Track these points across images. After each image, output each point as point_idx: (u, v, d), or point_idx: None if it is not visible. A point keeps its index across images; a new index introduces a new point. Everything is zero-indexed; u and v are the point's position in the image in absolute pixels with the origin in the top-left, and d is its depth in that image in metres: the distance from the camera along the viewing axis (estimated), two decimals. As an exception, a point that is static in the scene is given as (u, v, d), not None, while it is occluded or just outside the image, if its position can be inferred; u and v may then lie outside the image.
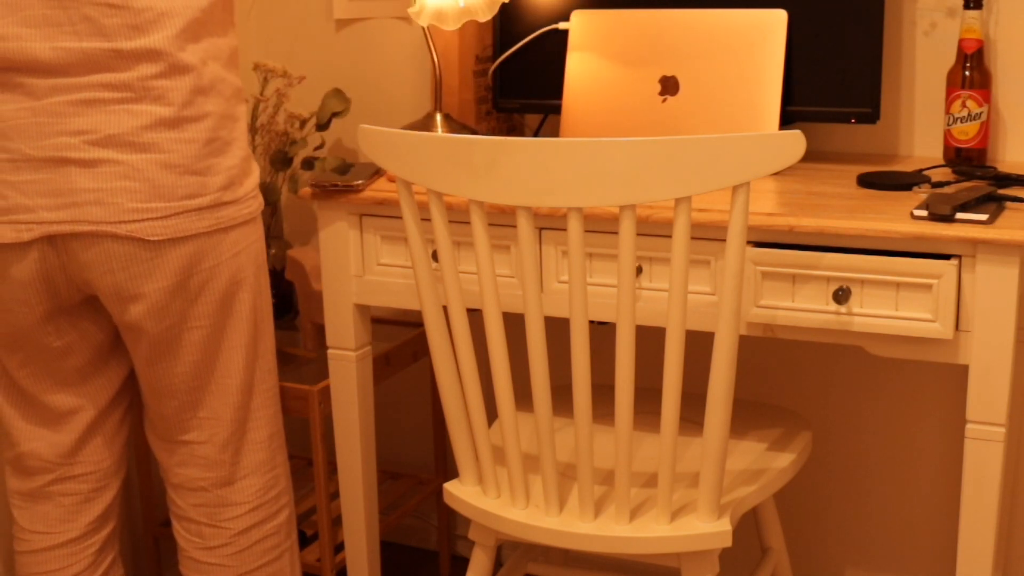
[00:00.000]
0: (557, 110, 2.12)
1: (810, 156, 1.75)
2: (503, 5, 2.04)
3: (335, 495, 2.33)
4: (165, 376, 1.79)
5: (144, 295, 1.71)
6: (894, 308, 1.65)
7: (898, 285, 1.64)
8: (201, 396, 1.80)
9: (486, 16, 1.97)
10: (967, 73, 1.97)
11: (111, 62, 1.65)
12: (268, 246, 2.29)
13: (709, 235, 1.72)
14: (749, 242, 1.70)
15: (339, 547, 2.24)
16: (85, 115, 1.65)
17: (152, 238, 1.68)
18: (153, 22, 1.65)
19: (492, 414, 1.78)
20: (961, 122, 1.98)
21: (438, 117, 2.09)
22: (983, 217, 1.61)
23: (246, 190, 1.77)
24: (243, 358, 1.81)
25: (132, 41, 1.64)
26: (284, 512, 1.93)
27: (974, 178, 1.85)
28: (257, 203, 1.81)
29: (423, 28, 2.07)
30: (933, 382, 2.18)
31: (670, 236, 1.51)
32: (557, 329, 1.76)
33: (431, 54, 2.12)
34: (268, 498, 1.89)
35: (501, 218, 1.79)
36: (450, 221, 1.63)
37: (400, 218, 1.75)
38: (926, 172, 1.91)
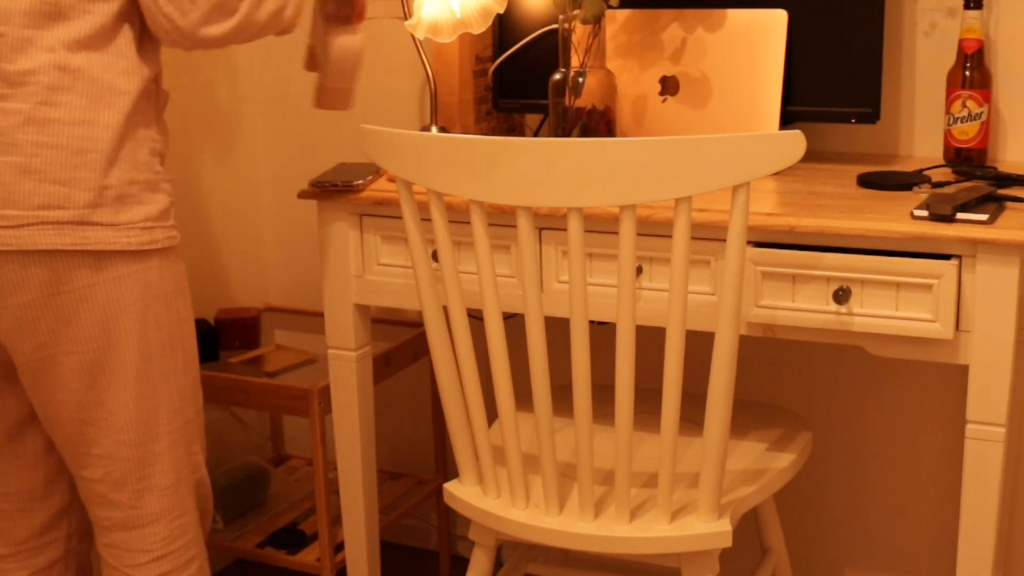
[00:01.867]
0: (557, 110, 2.12)
1: (810, 156, 1.74)
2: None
3: (335, 495, 2.33)
4: (49, 405, 1.66)
5: (6, 308, 1.59)
6: (894, 308, 1.65)
7: (898, 285, 1.64)
8: (89, 431, 1.66)
9: (480, 28, 2.00)
10: (967, 73, 1.97)
11: None
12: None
13: (709, 235, 1.72)
14: (749, 242, 1.70)
15: (339, 547, 2.24)
16: None
17: (1, 247, 1.55)
18: (48, 16, 1.55)
19: (492, 414, 1.78)
20: (961, 122, 1.98)
21: (434, 130, 2.10)
22: (983, 217, 1.61)
23: (130, 218, 1.60)
24: (132, 394, 1.65)
25: (20, 30, 1.55)
26: (194, 564, 1.77)
27: (974, 178, 1.85)
28: (151, 237, 1.63)
29: (416, 42, 2.09)
30: (933, 382, 2.18)
31: (670, 236, 1.51)
32: (557, 329, 1.76)
33: (425, 67, 2.13)
34: (175, 548, 1.74)
35: (501, 218, 1.79)
36: (450, 221, 1.63)
37: (400, 218, 1.74)
38: (926, 172, 1.91)
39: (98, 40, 1.60)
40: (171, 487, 1.72)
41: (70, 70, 1.57)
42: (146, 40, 1.66)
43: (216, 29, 1.66)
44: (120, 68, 1.61)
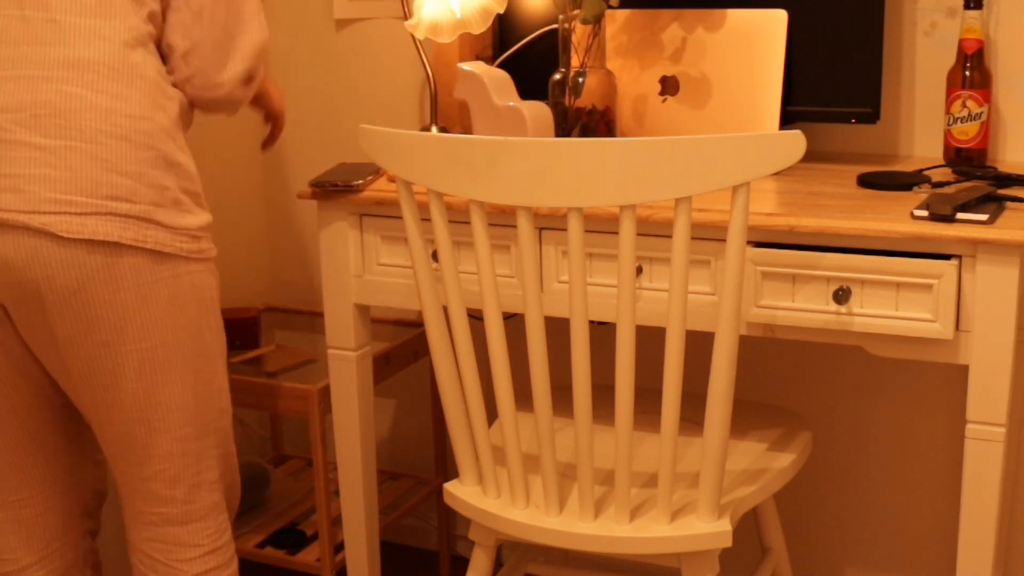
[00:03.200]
0: (557, 110, 2.12)
1: (810, 156, 1.75)
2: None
3: (335, 495, 2.33)
4: (102, 404, 1.66)
5: (69, 309, 1.58)
6: (894, 308, 1.65)
7: (898, 285, 1.64)
8: (141, 430, 1.67)
9: (480, 28, 2.00)
10: (967, 73, 1.97)
11: (51, 35, 1.57)
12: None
13: (709, 235, 1.72)
14: (749, 242, 1.70)
15: (339, 547, 2.24)
16: (8, 92, 1.55)
17: (65, 234, 1.54)
18: (104, 9, 1.58)
19: (492, 414, 1.78)
20: (961, 122, 1.98)
21: (434, 130, 2.10)
22: (983, 217, 1.61)
23: (186, 224, 1.64)
24: (190, 392, 1.68)
25: (80, 18, 1.57)
26: (235, 560, 1.81)
27: (974, 178, 1.85)
28: (199, 247, 1.66)
29: (417, 42, 2.09)
30: (933, 382, 2.18)
31: (670, 236, 1.51)
32: (557, 329, 1.76)
33: (425, 67, 2.14)
34: (223, 542, 1.78)
35: (501, 218, 1.79)
36: (450, 221, 1.63)
37: (400, 218, 1.75)
38: (926, 172, 1.91)
39: (147, 40, 1.64)
40: (217, 482, 1.76)
41: (128, 64, 1.60)
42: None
43: (242, 92, 1.77)
44: (165, 73, 1.66)
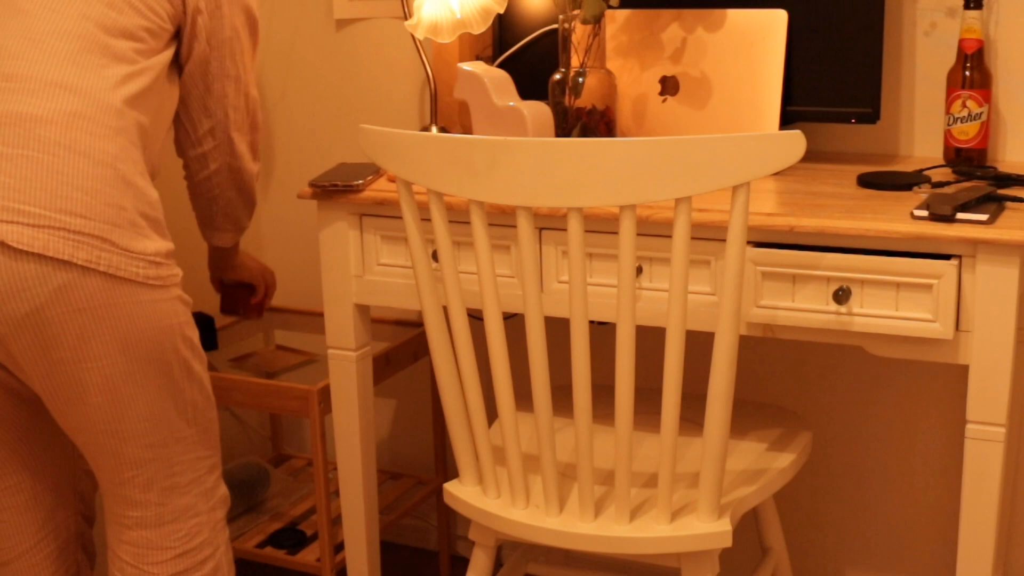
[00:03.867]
0: (557, 110, 2.12)
1: (810, 156, 1.75)
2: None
3: (335, 495, 2.33)
4: (71, 416, 1.65)
5: (27, 327, 1.56)
6: (894, 308, 1.65)
7: (898, 285, 1.64)
8: (110, 441, 1.67)
9: (480, 28, 2.00)
10: (967, 73, 1.97)
11: (21, 47, 1.57)
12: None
13: (709, 235, 1.72)
14: (749, 242, 1.70)
15: (339, 547, 2.24)
16: None
17: (15, 244, 1.51)
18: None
19: (492, 414, 1.78)
20: (961, 122, 1.98)
21: (434, 130, 2.10)
22: (983, 217, 1.61)
23: (143, 249, 1.60)
24: (154, 406, 1.67)
25: (51, 38, 1.57)
26: (209, 564, 1.80)
27: (974, 178, 1.85)
28: (157, 273, 1.63)
29: (416, 42, 2.09)
30: (933, 382, 2.18)
31: (670, 236, 1.51)
32: (557, 329, 1.76)
33: (425, 67, 2.14)
34: (192, 546, 1.77)
35: (501, 218, 1.79)
36: (450, 221, 1.63)
37: (400, 218, 1.75)
38: (926, 172, 1.91)
39: (120, 60, 1.65)
40: (188, 486, 1.75)
41: (92, 82, 1.59)
42: (153, 96, 1.71)
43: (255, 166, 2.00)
44: (134, 105, 1.65)
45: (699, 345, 1.76)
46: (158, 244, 1.63)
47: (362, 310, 2.04)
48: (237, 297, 2.29)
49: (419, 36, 2.03)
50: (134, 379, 1.64)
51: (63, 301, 1.55)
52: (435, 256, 1.84)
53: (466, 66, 1.96)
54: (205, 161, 1.93)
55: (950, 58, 2.01)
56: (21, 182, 1.51)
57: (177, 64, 1.82)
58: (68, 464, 1.85)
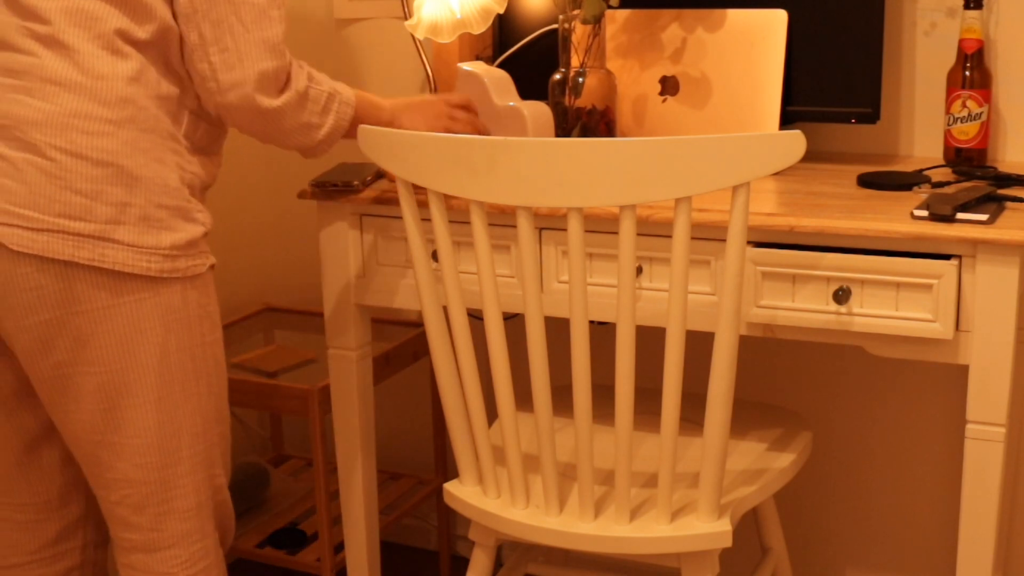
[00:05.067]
0: (557, 110, 2.12)
1: (810, 156, 1.74)
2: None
3: (335, 495, 2.33)
4: (67, 423, 1.62)
5: (23, 329, 1.55)
6: (894, 308, 1.65)
7: (898, 285, 1.64)
8: (104, 453, 1.62)
9: (480, 28, 2.00)
10: (967, 73, 1.97)
11: (19, 41, 1.53)
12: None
13: (709, 235, 1.72)
14: (749, 242, 1.70)
15: (339, 547, 2.24)
16: None
17: (15, 247, 1.50)
18: (76, 12, 1.52)
19: (492, 414, 1.78)
20: (961, 122, 1.98)
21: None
22: (983, 217, 1.61)
23: (156, 243, 1.56)
24: (152, 418, 1.60)
25: (44, 25, 1.52)
26: None
27: (974, 178, 1.85)
28: (172, 265, 1.58)
29: (417, 42, 2.09)
30: (933, 382, 2.18)
31: (670, 236, 1.51)
32: (557, 329, 1.76)
33: (425, 67, 2.14)
34: (195, 571, 1.69)
35: (501, 218, 1.79)
36: (450, 221, 1.63)
37: (400, 218, 1.74)
38: (926, 172, 1.91)
39: (132, 46, 1.57)
40: (193, 510, 1.68)
41: (96, 75, 1.53)
42: (179, 65, 1.63)
43: (271, 100, 1.65)
44: (145, 83, 1.58)
45: (699, 345, 1.76)
46: (178, 235, 1.58)
47: (362, 310, 2.04)
48: None
49: (419, 36, 2.03)
50: (128, 387, 1.59)
51: (64, 303, 1.53)
52: (435, 256, 1.84)
53: (466, 66, 1.96)
54: (208, 96, 1.69)
55: (950, 58, 2.01)
56: (22, 186, 1.50)
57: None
58: (82, 496, 1.80)
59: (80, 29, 1.54)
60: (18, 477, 1.77)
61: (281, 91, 1.67)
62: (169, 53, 1.62)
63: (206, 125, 1.68)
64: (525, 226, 1.54)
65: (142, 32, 1.58)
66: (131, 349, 1.58)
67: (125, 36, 1.56)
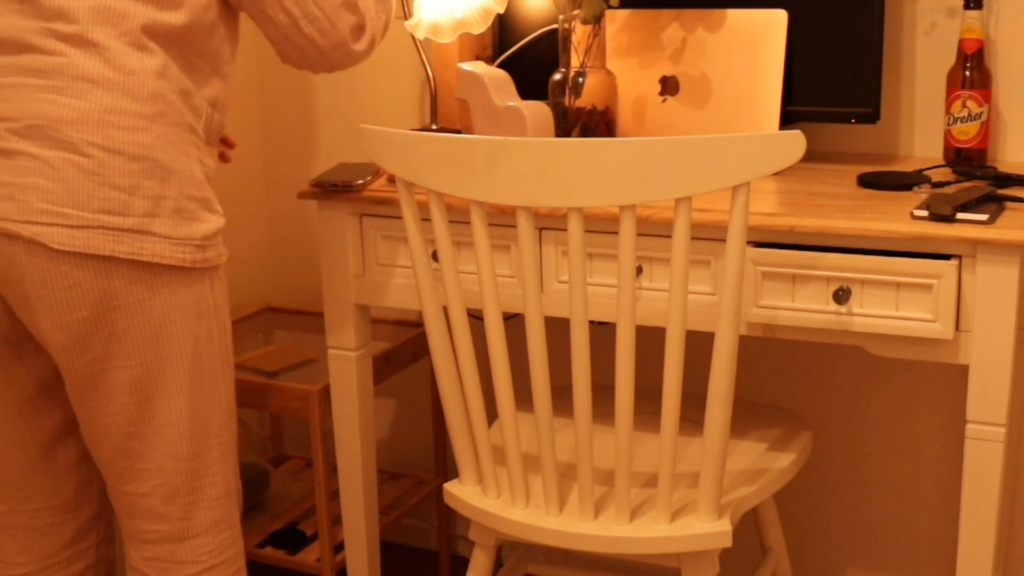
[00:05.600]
0: (557, 110, 2.12)
1: (810, 156, 1.75)
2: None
3: (335, 495, 2.33)
4: (97, 418, 1.63)
5: (60, 327, 1.56)
6: (894, 308, 1.65)
7: (898, 285, 1.64)
8: (136, 445, 1.64)
9: (480, 28, 2.00)
10: (967, 73, 1.97)
11: (41, 43, 1.53)
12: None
13: (709, 235, 1.72)
14: (749, 242, 1.70)
15: (339, 547, 2.24)
16: (7, 100, 1.53)
17: (56, 246, 1.52)
18: (103, 10, 1.53)
19: (492, 414, 1.78)
20: (961, 122, 1.98)
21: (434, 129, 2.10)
22: (983, 217, 1.61)
23: (189, 234, 1.60)
24: (186, 407, 1.64)
25: (70, 25, 1.53)
26: None
27: (974, 178, 1.85)
28: (204, 256, 1.62)
29: (417, 42, 2.09)
30: (933, 382, 2.18)
31: (670, 236, 1.51)
32: (557, 329, 1.76)
33: (425, 67, 2.14)
34: (224, 559, 1.72)
35: (501, 218, 1.79)
36: (450, 221, 1.63)
37: (400, 218, 1.75)
38: (926, 172, 1.91)
39: (161, 39, 1.59)
40: (222, 498, 1.71)
41: (127, 71, 1.55)
42: (197, 58, 1.65)
43: (361, 45, 1.78)
44: (169, 78, 1.60)
45: (699, 345, 1.76)
46: (206, 225, 1.62)
47: (362, 310, 2.04)
48: None
49: (419, 36, 2.03)
50: (163, 378, 1.61)
51: (101, 299, 1.55)
52: (435, 256, 1.84)
53: (466, 66, 1.96)
54: (306, 62, 1.81)
55: (950, 58, 2.01)
56: (59, 184, 1.51)
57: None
58: (93, 496, 1.83)
59: (107, 27, 1.55)
60: (35, 482, 1.78)
61: (363, 34, 1.79)
62: (192, 44, 1.63)
63: (219, 116, 1.72)
64: (525, 226, 1.54)
65: (170, 20, 1.59)
66: (165, 340, 1.61)
67: (150, 31, 1.58)
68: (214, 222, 1.64)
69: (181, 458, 1.66)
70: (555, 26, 2.04)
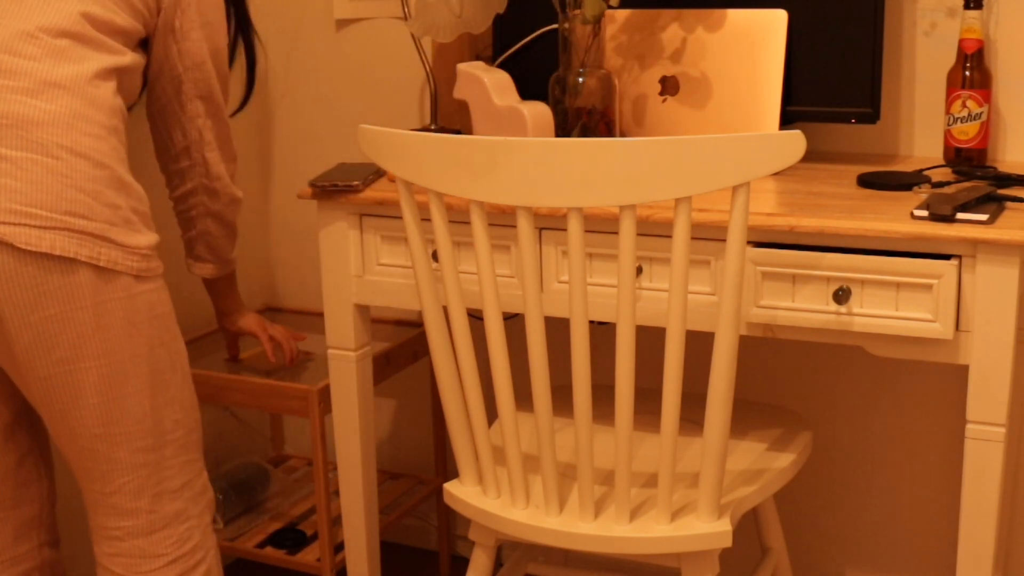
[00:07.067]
0: (557, 110, 2.12)
1: (810, 156, 1.75)
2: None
3: (335, 495, 2.33)
4: (64, 420, 1.66)
5: (27, 325, 1.58)
6: (894, 308, 1.65)
7: (898, 285, 1.64)
8: (102, 445, 1.67)
9: (481, 28, 2.00)
10: (967, 73, 1.97)
11: (16, 43, 1.59)
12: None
13: (709, 235, 1.72)
14: (749, 242, 1.70)
15: (339, 547, 2.24)
16: None
17: (23, 246, 1.53)
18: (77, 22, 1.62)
19: (492, 414, 1.78)
20: (961, 122, 1.98)
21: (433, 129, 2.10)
22: (983, 217, 1.61)
23: (137, 243, 1.64)
24: (148, 404, 1.68)
25: (53, 37, 1.60)
26: (202, 567, 1.79)
27: (974, 178, 1.85)
28: (148, 264, 1.66)
29: (417, 42, 2.09)
30: (933, 382, 2.18)
31: (670, 236, 1.51)
32: (557, 329, 1.76)
33: (425, 67, 2.14)
34: (186, 550, 1.76)
35: (501, 218, 1.79)
36: (450, 221, 1.63)
37: (400, 218, 1.75)
38: (926, 172, 1.91)
39: (116, 60, 1.70)
40: (179, 490, 1.75)
41: (90, 84, 1.62)
42: (125, 95, 1.75)
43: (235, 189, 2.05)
44: (119, 102, 1.70)
45: (699, 345, 1.76)
46: (148, 238, 1.67)
47: (362, 310, 2.04)
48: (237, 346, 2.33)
49: (419, 36, 2.03)
50: (128, 377, 1.65)
51: (67, 298, 1.58)
52: (435, 256, 1.84)
53: (466, 66, 1.96)
54: (183, 177, 2.00)
55: (950, 58, 2.01)
56: (27, 185, 1.54)
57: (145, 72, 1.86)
58: (32, 497, 1.85)
59: (76, 36, 1.64)
60: None
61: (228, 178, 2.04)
62: (127, 84, 1.76)
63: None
64: (525, 226, 1.54)
65: (120, 61, 1.71)
66: (127, 342, 1.64)
67: (105, 71, 1.68)
68: (152, 237, 1.69)
69: (146, 451, 1.70)
70: (555, 26, 2.04)
